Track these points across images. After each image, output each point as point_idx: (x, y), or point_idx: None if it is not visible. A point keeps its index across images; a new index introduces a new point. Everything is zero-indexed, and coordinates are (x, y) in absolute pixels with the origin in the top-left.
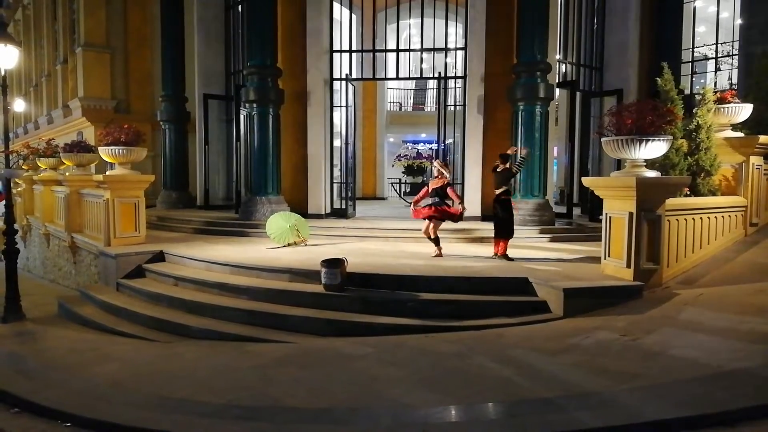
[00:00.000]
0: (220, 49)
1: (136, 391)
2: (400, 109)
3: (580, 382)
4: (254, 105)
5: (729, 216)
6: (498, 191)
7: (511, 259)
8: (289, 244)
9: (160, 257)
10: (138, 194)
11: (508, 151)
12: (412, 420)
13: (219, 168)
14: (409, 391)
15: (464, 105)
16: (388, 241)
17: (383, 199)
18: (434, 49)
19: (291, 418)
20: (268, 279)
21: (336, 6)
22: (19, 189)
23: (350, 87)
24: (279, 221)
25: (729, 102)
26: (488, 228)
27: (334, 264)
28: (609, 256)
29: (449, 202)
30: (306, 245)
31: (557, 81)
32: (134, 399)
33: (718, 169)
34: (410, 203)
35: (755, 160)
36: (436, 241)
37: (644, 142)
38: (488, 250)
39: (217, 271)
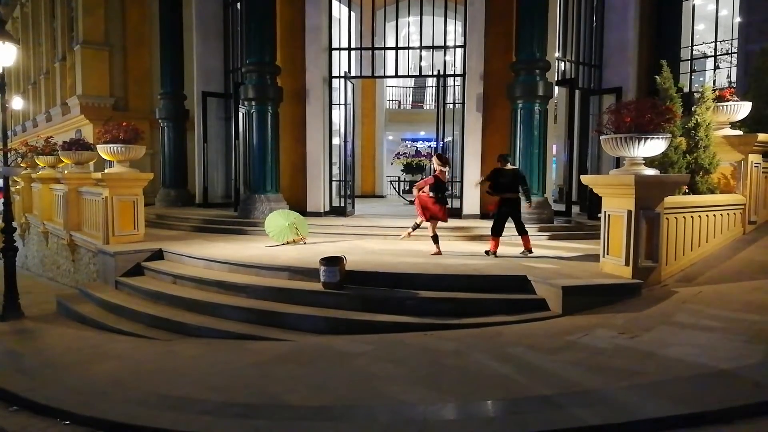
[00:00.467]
0: (218, 46)
1: (135, 389)
2: (399, 106)
3: (578, 379)
4: (253, 103)
5: (727, 214)
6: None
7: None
8: (288, 242)
9: (158, 255)
10: (137, 192)
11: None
12: (411, 417)
13: (218, 166)
14: (407, 389)
15: (463, 103)
16: (387, 239)
17: (382, 197)
18: (433, 47)
19: (290, 416)
20: (267, 277)
21: (335, 3)
22: (17, 187)
23: (349, 85)
24: (278, 219)
25: (728, 100)
26: (487, 226)
27: (333, 262)
28: (608, 254)
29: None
30: (305, 243)
31: (556, 79)
32: (133, 397)
33: (717, 167)
34: (409, 201)
35: (754, 158)
36: (436, 239)
37: (643, 140)
38: (487, 248)
39: (216, 269)
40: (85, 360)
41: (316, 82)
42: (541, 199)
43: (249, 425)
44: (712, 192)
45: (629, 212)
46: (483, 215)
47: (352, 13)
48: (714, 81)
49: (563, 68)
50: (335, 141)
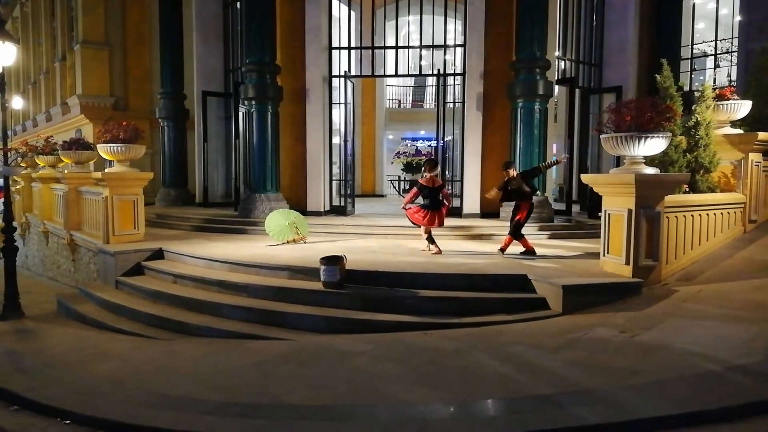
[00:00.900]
0: (218, 46)
1: (135, 389)
2: (399, 106)
3: (579, 378)
4: (253, 102)
5: (728, 213)
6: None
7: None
8: (288, 242)
9: (159, 255)
10: (137, 192)
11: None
12: (411, 416)
13: (218, 165)
14: (407, 388)
15: (463, 102)
16: (387, 238)
17: (382, 196)
18: (433, 46)
19: (290, 415)
20: (267, 276)
21: (335, 3)
22: (17, 186)
23: (349, 84)
24: (278, 218)
25: (728, 99)
26: (487, 225)
27: (333, 261)
28: (608, 253)
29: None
30: (305, 242)
31: (556, 78)
32: (134, 396)
33: (717, 166)
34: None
35: (754, 157)
36: (432, 239)
37: (643, 139)
38: (488, 247)
39: (216, 268)
40: (86, 359)
41: (316, 81)
42: (542, 198)
43: (249, 425)
44: (712, 191)
45: (629, 211)
46: (483, 214)
47: (352, 13)
48: (714, 80)
49: (563, 67)
50: (335, 140)
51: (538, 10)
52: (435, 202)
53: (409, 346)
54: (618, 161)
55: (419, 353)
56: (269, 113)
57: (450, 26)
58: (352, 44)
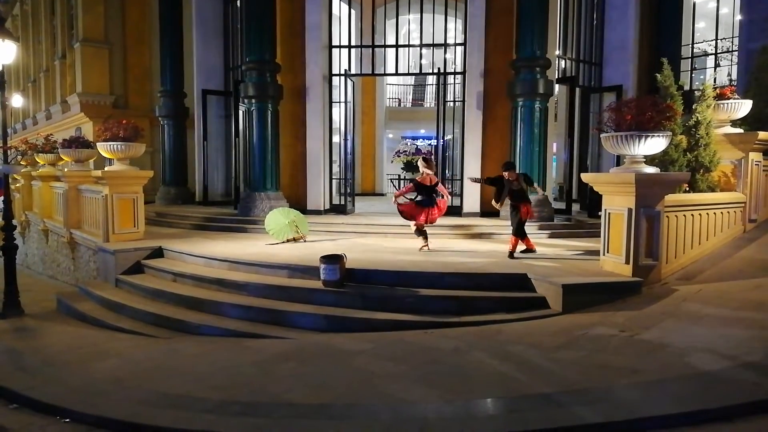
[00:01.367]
0: (218, 44)
1: (135, 387)
2: (400, 104)
3: (579, 377)
4: (253, 100)
5: (728, 212)
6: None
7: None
8: (287, 240)
9: (158, 253)
10: (136, 190)
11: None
12: (411, 415)
13: (218, 164)
14: (407, 387)
15: (463, 101)
16: (387, 237)
17: (382, 195)
18: (434, 45)
19: (290, 414)
20: (267, 275)
21: (335, 1)
22: (17, 185)
23: (349, 82)
24: (278, 217)
25: (728, 98)
26: (487, 224)
27: (333, 260)
28: (608, 252)
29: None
30: (305, 241)
31: (557, 77)
32: (133, 395)
33: (718, 165)
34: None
35: (754, 157)
36: (424, 234)
37: (643, 138)
38: (487, 246)
39: (215, 267)
40: (86, 358)
41: (316, 79)
42: (542, 197)
43: (249, 423)
44: (712, 190)
45: (629, 210)
46: (483, 213)
47: (352, 11)
48: (714, 79)
49: (563, 66)
50: (335, 139)
51: (538, 9)
52: (429, 200)
53: (409, 344)
54: (618, 160)
55: (419, 352)
56: (269, 112)
57: (450, 25)
58: (353, 42)
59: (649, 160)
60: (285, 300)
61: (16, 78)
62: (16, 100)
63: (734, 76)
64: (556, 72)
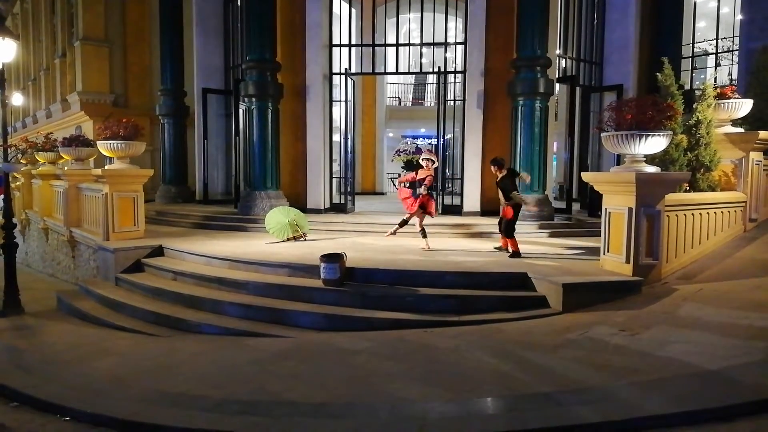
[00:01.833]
0: (219, 43)
1: (135, 386)
2: (400, 103)
3: (579, 376)
4: (253, 99)
5: (728, 212)
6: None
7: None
8: (288, 239)
9: (159, 252)
10: (137, 189)
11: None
12: (411, 414)
13: (218, 162)
14: (407, 386)
15: (464, 100)
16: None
17: (382, 194)
18: (434, 44)
19: (290, 412)
20: (267, 274)
21: (335, 0)
22: (17, 183)
23: (349, 81)
24: (278, 216)
25: (729, 97)
26: (487, 223)
27: (333, 259)
28: (608, 252)
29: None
30: (305, 240)
31: (557, 76)
32: (134, 393)
33: (718, 164)
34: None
35: (755, 156)
36: (423, 233)
37: (644, 138)
38: (488, 245)
39: (216, 265)
40: (86, 356)
41: (316, 78)
42: (542, 197)
43: (249, 422)
44: (712, 189)
45: (630, 209)
46: (483, 212)
47: (353, 10)
48: (715, 78)
49: (564, 65)
50: (335, 138)
51: (539, 8)
52: (429, 193)
53: (409, 343)
54: (618, 159)
55: (419, 351)
56: (269, 110)
57: (451, 24)
58: (353, 41)
59: (650, 159)
60: (285, 299)
61: (16, 76)
62: (17, 99)
63: (735, 76)
64: (557, 71)
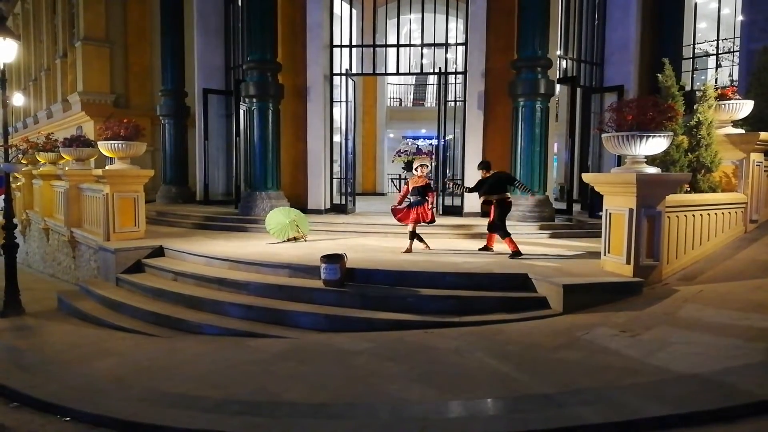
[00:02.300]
0: (219, 43)
1: (136, 386)
2: (400, 104)
3: (579, 378)
4: (254, 100)
5: (729, 213)
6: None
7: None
8: (288, 240)
9: (159, 252)
10: (137, 189)
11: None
12: (411, 415)
13: (219, 163)
14: (408, 387)
15: (464, 101)
16: (387, 236)
17: (383, 194)
18: (435, 45)
19: (290, 413)
20: (268, 274)
21: (336, 0)
22: (18, 183)
23: (350, 82)
24: (278, 216)
25: (730, 98)
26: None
27: (333, 259)
28: (609, 253)
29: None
30: (305, 241)
31: (558, 77)
32: (134, 394)
33: (719, 165)
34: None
35: (756, 157)
36: (415, 236)
37: (645, 138)
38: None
39: (216, 266)
40: (86, 357)
41: (317, 79)
42: (542, 197)
43: (250, 422)
44: (713, 190)
45: (631, 210)
46: (484, 213)
47: (354, 10)
48: (716, 79)
49: (565, 66)
50: (336, 138)
51: (539, 9)
52: (420, 200)
53: (410, 344)
54: (619, 160)
55: (420, 352)
56: (270, 111)
57: (451, 24)
58: (354, 42)
59: (651, 160)
60: (285, 299)
61: (17, 76)
62: (17, 99)
63: (735, 77)
64: (558, 72)
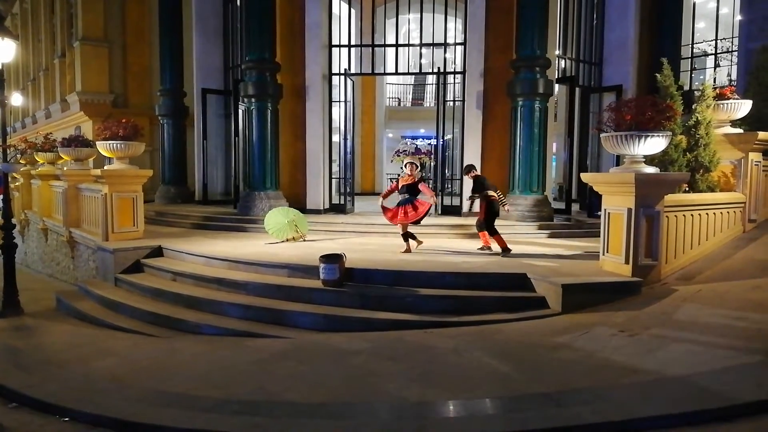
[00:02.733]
0: (218, 43)
1: (134, 386)
2: (399, 104)
3: (578, 377)
4: (253, 100)
5: (727, 212)
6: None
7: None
8: (287, 240)
9: (158, 252)
10: (136, 189)
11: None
12: (410, 414)
13: (217, 163)
14: (407, 386)
15: (463, 100)
16: (386, 236)
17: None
18: (433, 44)
19: (289, 413)
20: (267, 274)
21: (335, 0)
22: (16, 183)
23: (349, 82)
24: (277, 216)
25: (728, 98)
26: None
27: (332, 259)
28: (607, 252)
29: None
30: (304, 240)
31: (556, 76)
32: (133, 393)
33: (717, 165)
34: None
35: (754, 157)
36: (409, 236)
37: (643, 138)
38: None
39: (215, 266)
40: (85, 357)
41: (315, 79)
42: (541, 197)
43: (249, 422)
44: (712, 190)
45: (629, 210)
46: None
47: (352, 10)
48: (714, 79)
49: (563, 66)
50: (335, 138)
51: (538, 9)
52: (408, 198)
53: (409, 344)
54: (618, 160)
55: (418, 351)
56: (269, 111)
57: (450, 24)
58: (352, 42)
59: (649, 160)
60: (284, 299)
61: (15, 76)
62: (16, 99)
63: (734, 76)
64: (556, 72)
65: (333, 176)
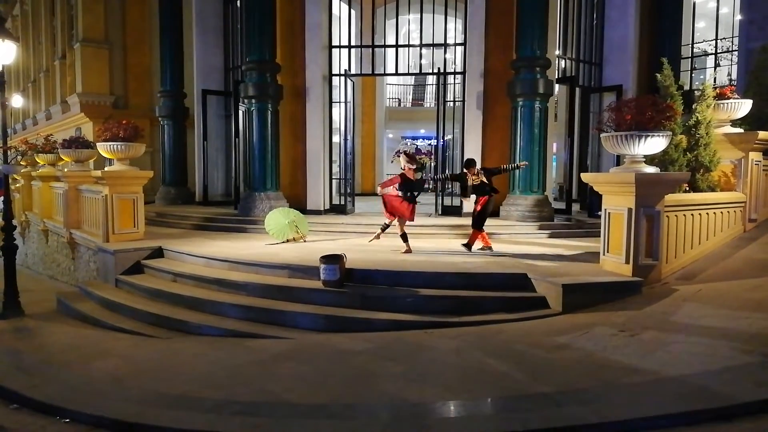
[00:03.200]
0: (218, 44)
1: (135, 387)
2: (400, 104)
3: (578, 377)
4: (253, 101)
5: (728, 212)
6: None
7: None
8: (287, 240)
9: (158, 253)
10: (136, 190)
11: (522, 165)
12: (411, 415)
13: (218, 164)
14: (407, 386)
15: (463, 101)
16: (387, 236)
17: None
18: (433, 45)
19: (290, 413)
20: (267, 275)
21: (335, 1)
22: (17, 185)
23: (349, 82)
24: (278, 217)
25: (728, 98)
26: (486, 224)
27: (333, 260)
28: (608, 252)
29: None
30: (305, 241)
31: (557, 77)
32: (134, 395)
33: (718, 164)
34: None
35: (754, 156)
36: (404, 237)
37: (643, 138)
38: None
39: (215, 267)
40: (86, 358)
41: (316, 79)
42: (541, 197)
43: (249, 423)
44: (712, 190)
45: (630, 210)
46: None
47: (352, 11)
48: (714, 79)
49: (563, 66)
50: (335, 139)
51: (538, 9)
52: (413, 196)
53: (409, 344)
54: (618, 160)
55: (419, 352)
56: (269, 112)
57: (450, 25)
58: (352, 43)
59: (649, 159)
60: (285, 300)
61: (16, 78)
62: (16, 101)
63: (734, 76)
64: (556, 72)
65: (333, 177)
